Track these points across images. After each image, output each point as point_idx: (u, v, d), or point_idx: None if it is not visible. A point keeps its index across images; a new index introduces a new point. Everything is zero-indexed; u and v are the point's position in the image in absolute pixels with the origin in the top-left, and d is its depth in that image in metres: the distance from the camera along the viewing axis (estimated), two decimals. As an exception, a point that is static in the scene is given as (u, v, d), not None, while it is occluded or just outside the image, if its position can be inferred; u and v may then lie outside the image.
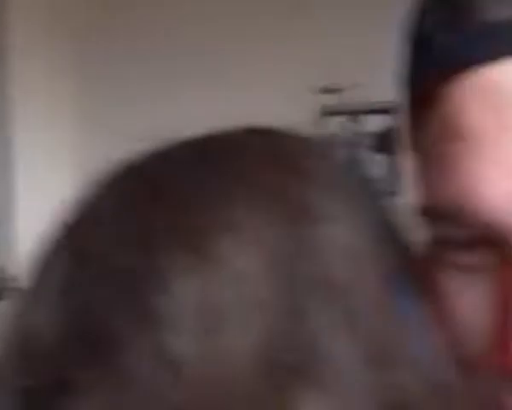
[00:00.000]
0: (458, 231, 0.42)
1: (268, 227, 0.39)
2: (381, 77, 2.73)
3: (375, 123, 2.67)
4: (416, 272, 0.45)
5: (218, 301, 0.39)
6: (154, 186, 0.42)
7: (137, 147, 0.43)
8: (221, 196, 0.40)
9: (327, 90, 2.70)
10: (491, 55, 0.42)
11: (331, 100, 2.72)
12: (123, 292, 0.39)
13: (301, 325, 0.39)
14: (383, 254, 0.43)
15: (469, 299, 0.43)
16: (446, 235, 0.43)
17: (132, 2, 3.27)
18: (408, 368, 0.40)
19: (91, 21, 3.32)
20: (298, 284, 0.39)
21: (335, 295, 0.39)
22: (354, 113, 2.71)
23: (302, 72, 2.80)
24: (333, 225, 0.41)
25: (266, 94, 2.91)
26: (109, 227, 0.41)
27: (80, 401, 0.38)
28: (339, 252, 0.40)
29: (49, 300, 0.41)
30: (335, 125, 2.75)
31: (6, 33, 3.17)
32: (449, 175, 0.42)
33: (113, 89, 3.30)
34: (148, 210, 0.41)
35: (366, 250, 0.42)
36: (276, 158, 0.43)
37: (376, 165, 2.67)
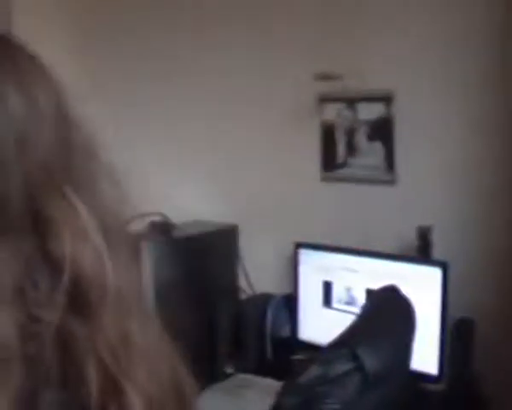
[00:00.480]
0: None
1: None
2: (378, 65, 2.75)
3: (371, 111, 2.67)
4: None
5: None
6: None
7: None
8: None
9: (324, 77, 2.70)
10: None
11: (328, 87, 2.72)
12: None
13: None
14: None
15: None
16: None
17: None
18: None
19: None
20: None
21: None
22: (351, 100, 2.71)
23: (300, 59, 2.80)
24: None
25: (265, 80, 2.90)
26: None
27: None
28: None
29: None
30: (332, 111, 2.75)
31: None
32: None
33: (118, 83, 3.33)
34: None
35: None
36: None
37: (372, 152, 2.67)
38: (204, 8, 3.04)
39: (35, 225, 0.65)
